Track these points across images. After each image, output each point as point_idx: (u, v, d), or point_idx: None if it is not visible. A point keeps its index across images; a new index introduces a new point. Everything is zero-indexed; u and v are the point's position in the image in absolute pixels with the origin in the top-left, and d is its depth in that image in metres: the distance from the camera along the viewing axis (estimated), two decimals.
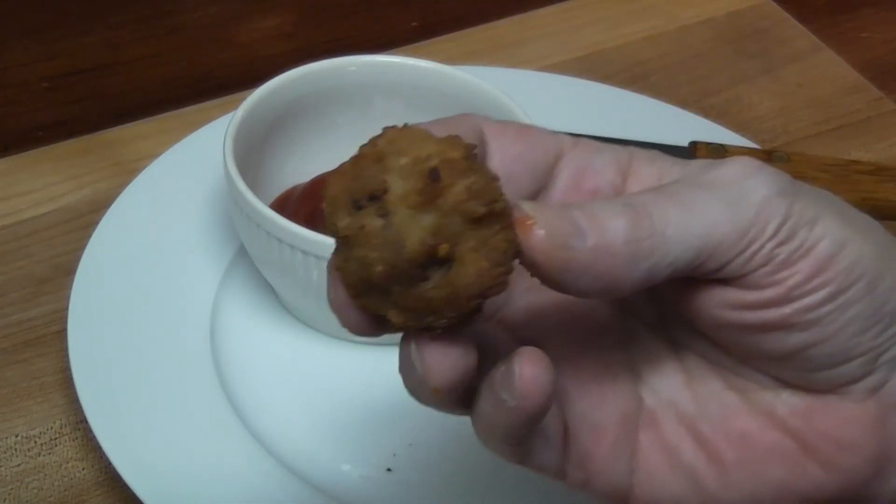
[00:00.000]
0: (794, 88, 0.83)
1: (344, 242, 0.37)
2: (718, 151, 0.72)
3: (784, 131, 0.80)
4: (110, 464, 0.57)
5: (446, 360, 0.38)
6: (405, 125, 0.38)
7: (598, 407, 0.42)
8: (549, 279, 0.38)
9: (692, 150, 0.72)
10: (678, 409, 0.43)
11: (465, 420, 0.62)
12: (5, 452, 0.60)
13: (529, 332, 0.43)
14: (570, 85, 0.77)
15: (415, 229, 0.36)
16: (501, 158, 0.41)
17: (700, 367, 0.43)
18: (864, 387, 0.41)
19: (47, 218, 0.71)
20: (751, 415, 0.42)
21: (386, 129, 0.37)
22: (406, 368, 0.39)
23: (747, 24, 0.87)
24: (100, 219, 0.67)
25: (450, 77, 0.67)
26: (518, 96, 0.65)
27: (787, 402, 0.42)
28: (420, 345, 0.38)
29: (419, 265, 0.36)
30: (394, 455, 0.60)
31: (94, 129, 0.76)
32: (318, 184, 0.66)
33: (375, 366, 0.63)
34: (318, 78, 0.67)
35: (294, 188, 0.67)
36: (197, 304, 0.64)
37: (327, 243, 0.59)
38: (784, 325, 0.40)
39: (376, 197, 0.36)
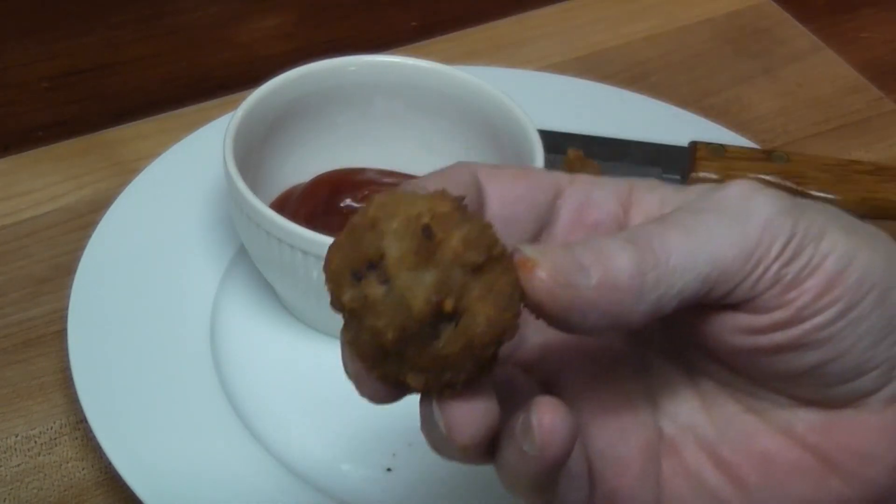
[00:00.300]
0: (794, 88, 0.83)
1: (351, 315, 0.37)
2: (718, 151, 0.72)
3: (784, 131, 0.80)
4: (110, 464, 0.57)
5: (470, 417, 0.38)
6: (391, 190, 0.38)
7: (620, 440, 0.42)
8: (555, 319, 0.38)
9: (692, 150, 0.72)
10: (697, 434, 0.43)
11: None
12: (5, 452, 0.60)
13: (546, 370, 0.43)
14: (570, 85, 0.77)
15: (418, 289, 0.36)
16: (500, 202, 0.41)
17: (716, 391, 0.43)
18: (881, 397, 0.41)
19: (47, 218, 0.71)
20: (770, 434, 0.42)
21: (373, 196, 0.37)
22: (428, 427, 0.39)
23: (747, 24, 0.87)
24: (100, 219, 0.67)
25: (450, 77, 0.67)
26: (518, 96, 0.65)
27: (804, 419, 0.42)
28: (442, 405, 0.38)
29: (429, 324, 0.36)
30: (394, 455, 0.60)
31: (94, 129, 0.76)
32: (318, 184, 0.66)
33: None
34: (318, 78, 0.67)
35: (294, 188, 0.67)
36: (197, 304, 0.64)
37: (327, 243, 0.59)
38: (796, 346, 0.39)
39: (375, 264, 0.36)
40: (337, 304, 0.37)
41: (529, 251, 0.38)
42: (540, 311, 0.38)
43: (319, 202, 0.65)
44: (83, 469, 0.60)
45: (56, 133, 0.76)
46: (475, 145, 0.67)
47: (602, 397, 0.43)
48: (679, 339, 0.43)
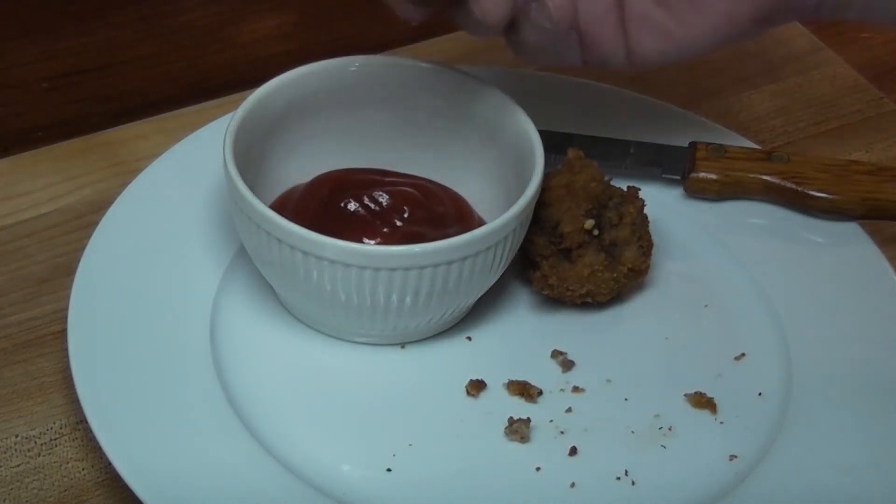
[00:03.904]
0: (794, 88, 0.83)
1: None
2: (718, 151, 0.72)
3: (784, 131, 0.80)
4: (110, 464, 0.57)
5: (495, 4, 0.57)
6: None
7: (594, 4, 0.62)
8: None
9: (692, 150, 0.72)
10: None
11: (465, 420, 0.62)
12: (5, 453, 0.60)
13: None
14: (570, 85, 0.77)
15: None
16: None
17: None
18: None
19: (47, 218, 0.71)
20: None
21: None
22: (463, 15, 0.59)
23: None
24: (100, 219, 0.67)
25: (450, 77, 0.67)
26: (518, 96, 0.65)
27: None
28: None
29: None
30: (394, 455, 0.60)
31: (94, 129, 0.76)
32: (318, 184, 0.66)
33: (375, 366, 0.63)
34: (318, 78, 0.66)
35: (294, 188, 0.67)
36: (197, 304, 0.64)
37: (327, 243, 0.59)
38: None
39: None
40: None
41: None
42: None
43: (319, 202, 0.65)
44: (83, 469, 0.60)
45: (56, 133, 0.76)
46: (475, 145, 0.67)
47: None
48: None
